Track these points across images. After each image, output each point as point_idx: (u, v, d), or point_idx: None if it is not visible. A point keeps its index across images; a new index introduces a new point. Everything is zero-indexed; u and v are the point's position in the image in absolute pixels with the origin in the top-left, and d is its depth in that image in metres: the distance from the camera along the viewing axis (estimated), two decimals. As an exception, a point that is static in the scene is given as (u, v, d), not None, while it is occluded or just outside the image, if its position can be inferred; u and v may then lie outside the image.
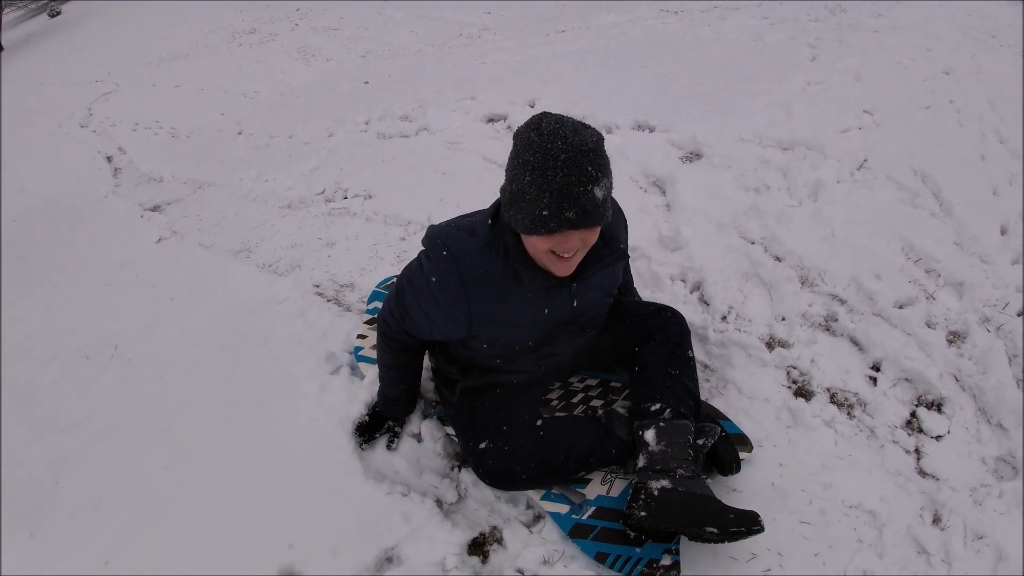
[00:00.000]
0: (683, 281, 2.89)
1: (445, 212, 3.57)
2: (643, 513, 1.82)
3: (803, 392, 2.38)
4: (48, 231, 5.72)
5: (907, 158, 3.49)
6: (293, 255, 3.68)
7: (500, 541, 2.03)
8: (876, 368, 2.46)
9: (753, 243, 3.02)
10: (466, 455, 2.10)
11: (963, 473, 2.12)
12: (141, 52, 15.66)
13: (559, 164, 1.47)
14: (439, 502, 2.13)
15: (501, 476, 2.00)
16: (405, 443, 2.30)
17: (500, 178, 1.57)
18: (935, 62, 4.84)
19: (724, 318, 2.70)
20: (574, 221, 1.53)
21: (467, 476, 2.19)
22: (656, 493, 1.82)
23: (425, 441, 2.31)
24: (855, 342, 2.56)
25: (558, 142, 1.47)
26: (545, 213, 1.52)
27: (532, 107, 5.01)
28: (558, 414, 2.30)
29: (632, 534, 1.91)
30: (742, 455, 2.10)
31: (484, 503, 2.13)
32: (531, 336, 1.95)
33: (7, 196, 7.28)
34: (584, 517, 1.99)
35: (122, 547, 2.10)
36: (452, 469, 2.24)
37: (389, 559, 1.97)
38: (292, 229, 4.02)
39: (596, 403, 2.34)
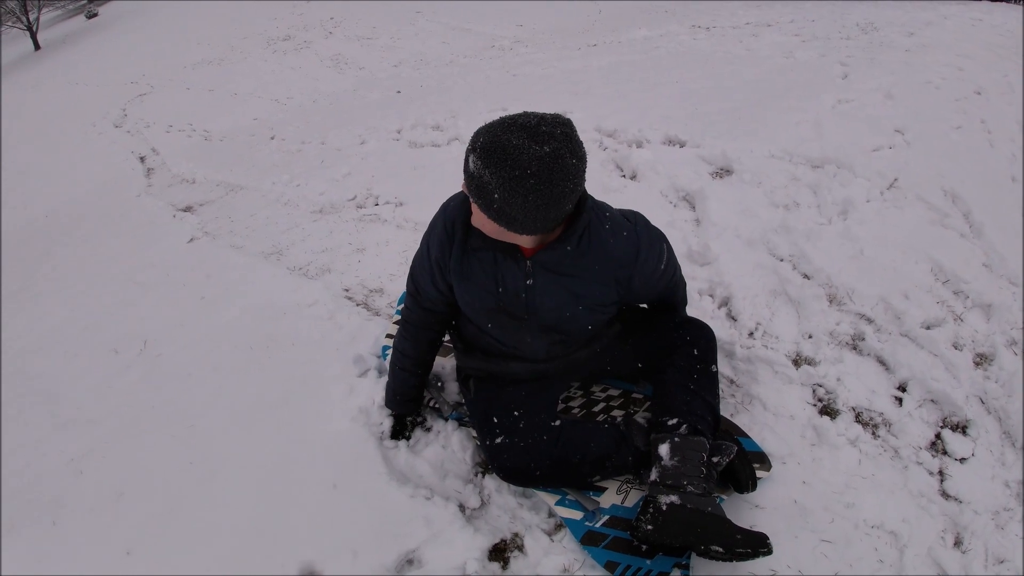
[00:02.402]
0: (711, 296, 2.89)
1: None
2: (649, 527, 1.84)
3: (828, 410, 2.37)
4: (79, 228, 5.83)
5: (937, 178, 3.48)
6: (323, 259, 3.72)
7: (521, 548, 2.03)
8: (902, 388, 2.45)
9: (782, 260, 3.01)
10: (483, 450, 2.13)
11: (986, 496, 2.11)
12: (176, 55, 15.96)
13: (535, 205, 1.55)
14: (462, 507, 2.14)
15: (516, 471, 2.01)
16: (430, 447, 2.33)
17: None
18: (966, 82, 4.82)
19: (751, 334, 2.70)
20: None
21: (490, 482, 2.21)
22: (664, 508, 1.83)
23: (449, 445, 2.33)
24: (882, 362, 2.55)
25: (540, 182, 1.51)
26: (517, 226, 1.64)
27: (562, 119, 5.02)
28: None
29: (643, 546, 1.92)
30: (760, 474, 2.09)
31: (506, 510, 2.14)
32: (492, 301, 1.96)
33: (38, 194, 7.42)
34: (597, 525, 2.00)
35: (143, 539, 2.12)
36: (476, 475, 2.26)
37: (410, 561, 1.99)
38: (323, 234, 4.06)
39: (617, 413, 2.35)
